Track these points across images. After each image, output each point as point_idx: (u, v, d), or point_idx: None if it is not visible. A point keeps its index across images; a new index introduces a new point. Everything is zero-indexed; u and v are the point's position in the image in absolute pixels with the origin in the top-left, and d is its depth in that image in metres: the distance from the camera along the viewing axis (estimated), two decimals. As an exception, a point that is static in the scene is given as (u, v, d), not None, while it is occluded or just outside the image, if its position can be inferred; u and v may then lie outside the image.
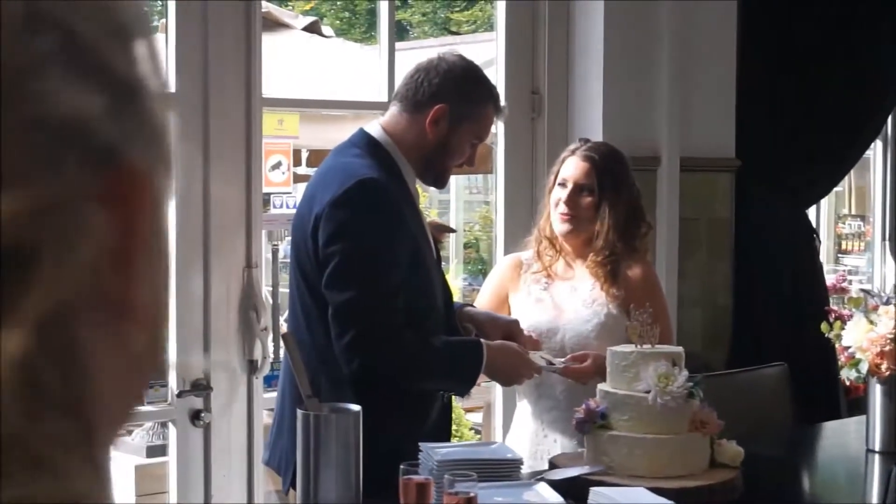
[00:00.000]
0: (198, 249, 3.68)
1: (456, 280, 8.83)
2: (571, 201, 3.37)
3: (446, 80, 2.99)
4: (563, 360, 3.25)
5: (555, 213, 3.42)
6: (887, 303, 3.38)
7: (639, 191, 3.51)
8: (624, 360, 2.95)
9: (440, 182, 3.15)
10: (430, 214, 8.99)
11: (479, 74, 3.07)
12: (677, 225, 4.56)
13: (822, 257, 7.36)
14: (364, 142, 3.01)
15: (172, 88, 3.64)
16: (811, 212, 5.64)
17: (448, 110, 2.98)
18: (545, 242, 3.48)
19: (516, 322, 3.27)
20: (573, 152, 3.45)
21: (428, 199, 10.43)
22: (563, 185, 3.41)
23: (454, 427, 5.48)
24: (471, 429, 6.11)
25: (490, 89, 3.08)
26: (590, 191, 3.38)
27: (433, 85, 2.99)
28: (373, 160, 2.95)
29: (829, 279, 5.54)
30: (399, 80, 3.16)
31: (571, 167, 3.41)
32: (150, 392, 3.66)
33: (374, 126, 3.04)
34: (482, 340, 3.02)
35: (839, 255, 8.69)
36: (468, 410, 6.74)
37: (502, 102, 4.26)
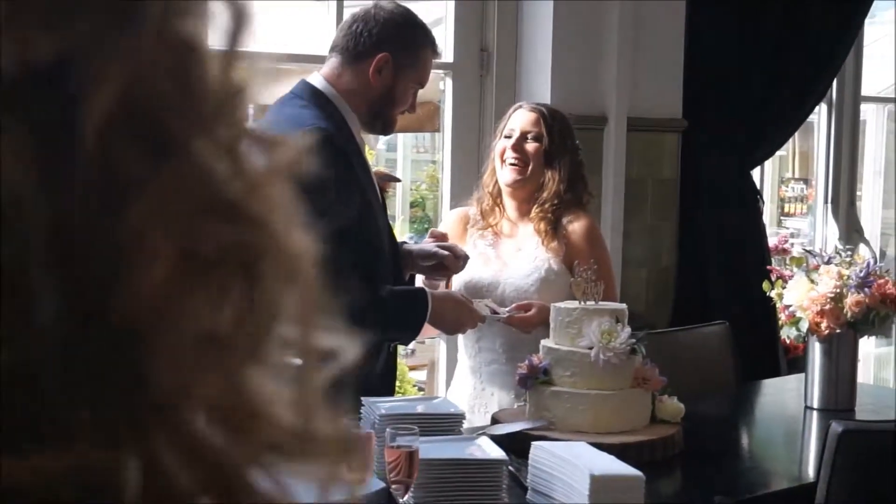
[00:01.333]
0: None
1: (402, 238, 8.81)
2: (518, 146, 3.38)
3: (386, 29, 2.98)
4: (507, 309, 3.26)
5: (501, 166, 3.42)
6: (828, 262, 3.41)
7: (582, 160, 3.51)
8: (567, 316, 2.96)
9: (387, 130, 3.15)
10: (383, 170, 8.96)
11: (417, 20, 3.08)
12: (623, 185, 4.57)
13: (766, 219, 7.44)
14: (308, 92, 2.99)
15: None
16: (756, 174, 5.68)
17: (391, 58, 2.97)
18: (488, 200, 3.48)
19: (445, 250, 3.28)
20: (520, 106, 3.47)
21: (375, 158, 10.39)
22: (508, 136, 3.42)
23: (398, 384, 5.49)
24: (414, 385, 6.12)
25: (427, 33, 3.09)
26: (537, 139, 3.39)
27: (373, 34, 2.98)
28: (319, 110, 2.94)
29: (772, 241, 5.58)
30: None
31: (518, 119, 3.43)
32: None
33: (316, 77, 3.02)
34: (427, 290, 3.03)
35: (782, 218, 8.77)
36: (412, 368, 6.76)
37: (448, 58, 4.28)
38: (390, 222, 3.16)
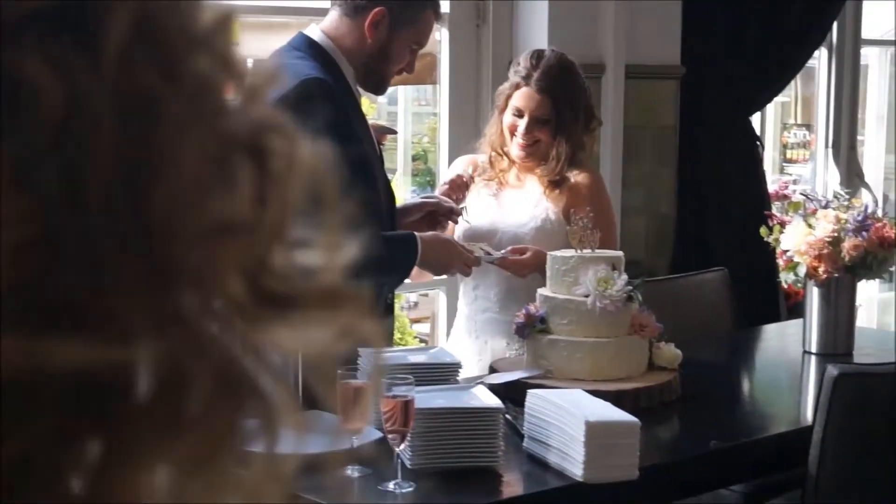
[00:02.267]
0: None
1: (404, 192, 8.80)
2: (529, 132, 3.37)
3: None
4: (501, 252, 3.26)
5: (511, 140, 3.41)
6: (825, 206, 3.41)
7: (588, 89, 3.50)
8: (564, 264, 2.97)
9: (381, 88, 3.13)
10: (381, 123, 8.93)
11: None
12: (622, 132, 4.56)
13: (768, 166, 7.41)
14: (305, 44, 2.98)
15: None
16: (757, 121, 5.66)
17: (387, 13, 2.95)
18: (498, 156, 3.47)
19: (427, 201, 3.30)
20: (527, 79, 3.40)
21: (377, 112, 10.36)
22: (518, 114, 3.39)
23: (398, 335, 5.51)
24: (415, 337, 6.14)
25: None
26: (546, 123, 3.37)
27: None
28: (315, 62, 2.93)
29: (773, 187, 5.57)
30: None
31: (527, 98, 3.38)
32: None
33: (314, 29, 3.01)
34: (415, 233, 3.04)
35: (784, 164, 8.75)
36: (416, 321, 6.77)
37: (444, 9, 4.24)
38: (388, 175, 3.16)
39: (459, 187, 3.37)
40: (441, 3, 4.20)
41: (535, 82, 3.37)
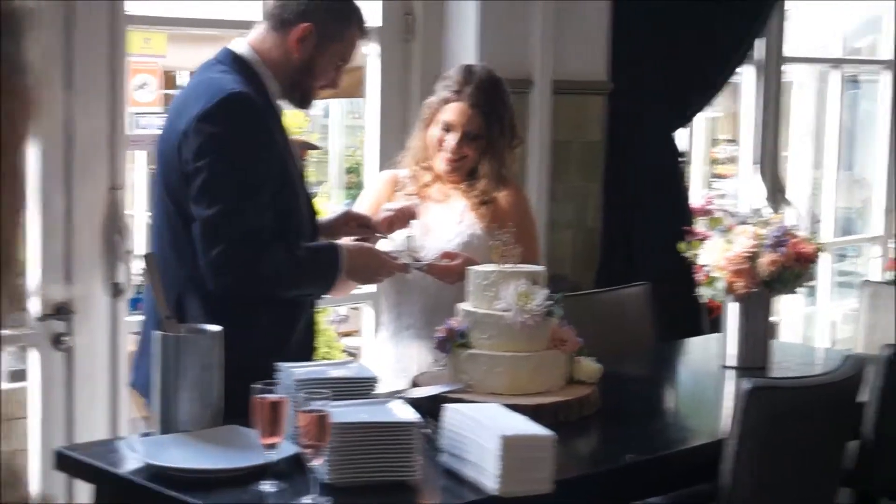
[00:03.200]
0: (59, 171, 3.61)
1: (338, 206, 8.80)
2: (459, 146, 3.39)
3: (313, 1, 2.97)
4: (430, 258, 3.27)
5: (438, 153, 3.42)
6: (743, 223, 3.45)
7: (513, 107, 3.53)
8: (485, 279, 2.98)
9: (305, 103, 3.13)
10: (312, 138, 8.91)
11: None
12: (549, 148, 4.59)
13: (697, 181, 7.48)
14: (230, 58, 2.99)
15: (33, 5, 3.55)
16: (687, 137, 5.72)
17: (313, 30, 2.96)
18: (423, 171, 3.48)
19: (350, 210, 3.34)
20: (458, 94, 3.41)
21: (310, 124, 10.35)
22: (447, 129, 3.40)
23: (325, 349, 5.50)
24: (344, 351, 6.14)
25: (356, 11, 3.07)
26: (477, 138, 3.39)
27: (300, 4, 2.97)
28: (239, 76, 2.93)
29: (699, 202, 5.64)
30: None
31: (458, 113, 3.39)
32: (10, 316, 3.60)
33: (241, 43, 3.02)
34: (339, 243, 3.05)
35: (713, 179, 8.85)
36: (346, 334, 6.77)
37: (375, 23, 4.26)
38: (308, 190, 3.16)
39: (403, 219, 3.35)
40: (370, 17, 4.23)
41: (467, 97, 3.39)
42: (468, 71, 3.46)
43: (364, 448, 2.39)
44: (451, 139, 3.39)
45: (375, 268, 3.14)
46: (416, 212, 3.36)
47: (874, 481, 3.25)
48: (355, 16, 3.06)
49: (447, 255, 3.29)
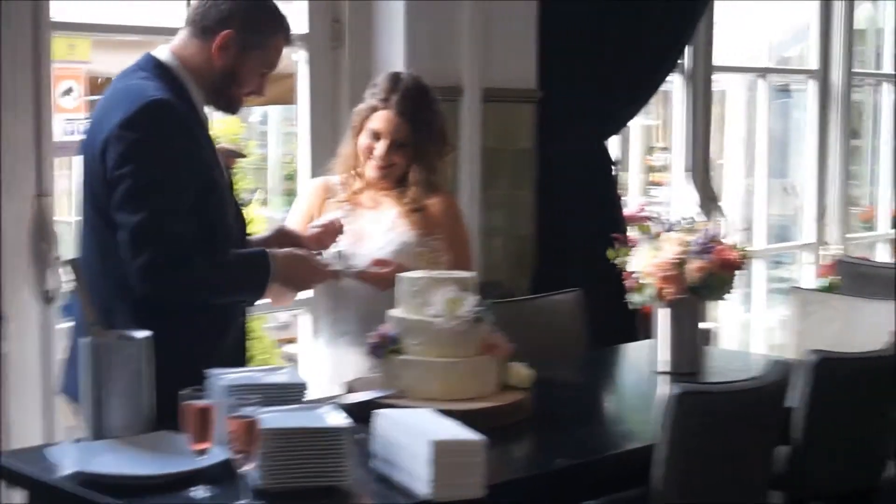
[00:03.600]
0: (-14, 178, 3.58)
1: (278, 213, 8.76)
2: (387, 154, 3.40)
3: (235, 6, 2.95)
4: (362, 265, 3.28)
5: (366, 160, 3.43)
6: (670, 230, 3.49)
7: (443, 114, 3.54)
8: (414, 285, 2.99)
9: (231, 109, 3.11)
10: (249, 146, 8.86)
11: (269, 3, 3.04)
12: (479, 155, 4.61)
13: (633, 188, 7.54)
14: (151, 65, 2.97)
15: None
16: (619, 144, 5.77)
17: (235, 36, 2.95)
18: (353, 178, 3.49)
19: (283, 227, 3.35)
20: (386, 103, 3.42)
21: (247, 130, 10.29)
22: (375, 137, 3.41)
23: (265, 356, 5.48)
24: (284, 357, 6.11)
25: (280, 18, 3.05)
26: (403, 145, 3.41)
27: (221, 10, 2.95)
28: (161, 82, 2.91)
29: (631, 209, 5.69)
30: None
31: (385, 121, 3.40)
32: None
33: (163, 50, 3.00)
34: (268, 250, 3.04)
35: (649, 187, 8.92)
36: (288, 341, 6.74)
37: (302, 30, 4.25)
38: (237, 199, 3.14)
39: (331, 234, 3.35)
40: (297, 23, 4.23)
41: (394, 105, 3.40)
42: (395, 79, 3.47)
43: (295, 453, 2.39)
44: (380, 147, 3.41)
45: (307, 274, 3.13)
46: (341, 226, 3.36)
47: (806, 485, 3.29)
48: (279, 22, 3.04)
49: (378, 263, 3.30)
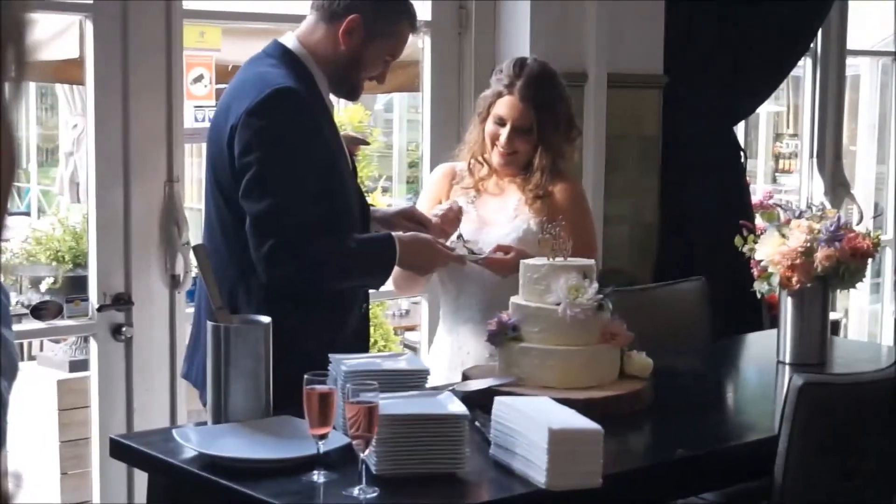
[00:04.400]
0: (118, 163, 3.66)
1: (401, 200, 8.80)
2: (511, 141, 3.39)
3: None
4: (486, 251, 3.28)
5: (492, 147, 3.43)
6: (798, 216, 3.42)
7: (570, 99, 3.51)
8: (535, 272, 2.98)
9: (353, 95, 3.14)
10: (374, 133, 8.92)
11: None
12: (604, 142, 4.57)
13: (760, 176, 7.42)
14: (278, 52, 3.00)
15: (90, 0, 3.61)
16: (746, 131, 5.67)
17: (361, 22, 2.97)
18: (479, 164, 3.49)
19: (412, 208, 3.34)
20: (510, 88, 3.41)
21: (372, 118, 10.37)
22: (500, 123, 3.40)
23: (383, 343, 5.52)
24: (402, 344, 6.15)
25: (407, 6, 3.06)
26: (528, 132, 3.39)
27: None
28: (287, 70, 2.95)
29: (758, 197, 5.58)
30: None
31: (509, 107, 3.39)
32: (70, 306, 3.66)
33: (289, 37, 3.03)
34: (393, 234, 3.05)
35: (777, 174, 8.77)
36: (408, 328, 6.78)
37: (426, 16, 4.26)
38: (360, 186, 3.17)
39: (451, 221, 3.36)
40: (422, 10, 4.24)
41: (517, 91, 3.38)
42: (520, 64, 3.45)
43: (412, 440, 2.40)
44: (504, 134, 3.39)
45: (431, 258, 3.14)
46: (460, 209, 3.36)
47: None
48: (405, 11, 3.06)
49: (501, 249, 3.29)
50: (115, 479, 3.71)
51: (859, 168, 6.81)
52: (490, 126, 3.43)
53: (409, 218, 3.30)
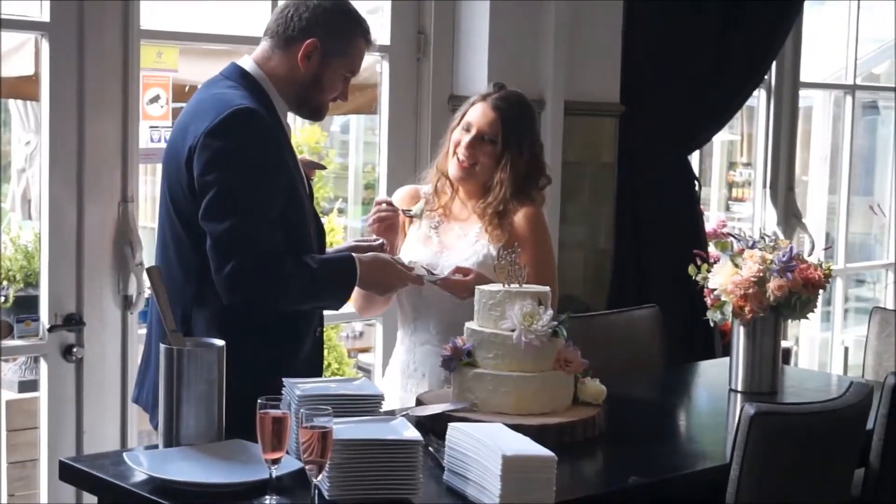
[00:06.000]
0: (71, 182, 3.64)
1: (356, 222, 8.80)
2: (472, 148, 3.38)
3: (316, 15, 2.98)
4: (445, 272, 3.28)
5: (452, 158, 3.42)
6: (752, 247, 3.45)
7: (541, 144, 3.52)
8: (490, 298, 2.98)
9: (317, 115, 3.13)
10: (330, 154, 8.92)
11: (349, 7, 3.07)
12: (560, 169, 4.59)
13: (714, 204, 7.47)
14: (237, 74, 3.00)
15: (47, 17, 3.59)
16: (700, 160, 5.72)
17: (319, 45, 2.97)
18: (443, 180, 3.48)
19: (381, 244, 3.32)
20: (484, 98, 3.42)
21: (328, 139, 10.36)
22: (467, 129, 3.41)
23: (336, 366, 5.51)
24: (356, 367, 6.14)
25: (360, 22, 3.07)
26: (492, 141, 3.38)
27: (303, 19, 2.97)
28: (246, 91, 2.94)
29: (712, 225, 5.63)
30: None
31: (478, 113, 3.40)
32: (21, 326, 3.63)
33: (247, 60, 3.03)
34: (354, 255, 3.05)
35: (730, 203, 8.83)
36: (362, 350, 6.77)
37: (384, 41, 4.28)
38: (316, 210, 3.16)
39: (388, 226, 3.37)
40: (381, 35, 4.26)
41: (491, 100, 3.41)
42: (501, 85, 3.49)
43: (366, 465, 2.39)
44: (466, 138, 3.40)
45: (390, 277, 3.14)
46: (393, 209, 3.39)
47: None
48: (360, 27, 3.06)
49: (460, 271, 3.29)
50: (64, 502, 3.67)
51: (811, 198, 6.88)
52: (457, 133, 3.43)
53: (357, 250, 3.30)
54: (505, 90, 3.46)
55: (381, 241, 3.33)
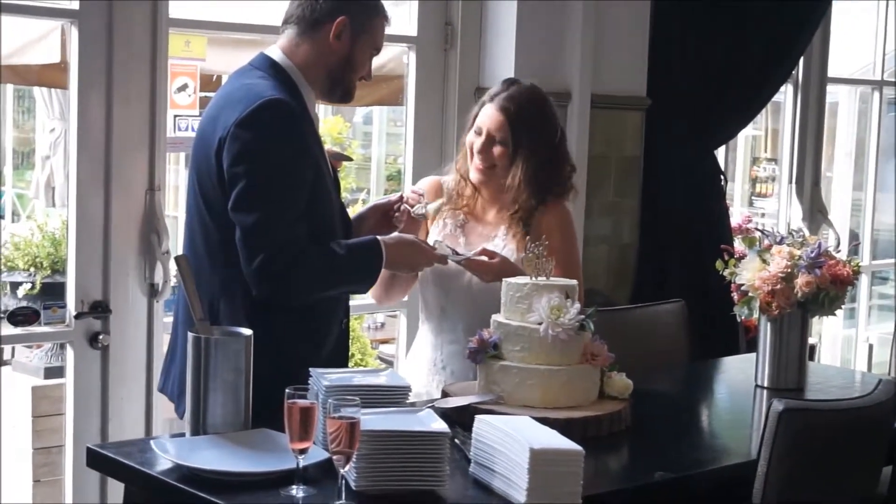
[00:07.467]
0: (99, 170, 3.65)
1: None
2: (484, 151, 3.37)
3: None
4: (471, 252, 3.27)
5: (471, 159, 3.41)
6: (780, 242, 3.43)
7: (563, 134, 3.48)
8: (518, 291, 2.98)
9: (347, 97, 3.12)
10: (352, 145, 8.92)
11: None
12: (586, 162, 4.58)
13: (737, 199, 7.45)
14: (266, 64, 3.00)
15: (76, 6, 3.59)
16: (724, 154, 5.70)
17: (349, 21, 2.98)
18: (463, 182, 3.46)
19: (399, 196, 3.35)
20: (492, 98, 3.39)
21: (351, 130, 10.37)
22: (478, 132, 3.39)
23: (359, 356, 5.51)
24: (378, 358, 6.14)
25: None
26: (502, 143, 3.36)
27: (328, 1, 2.98)
28: (276, 82, 2.95)
29: (737, 220, 5.61)
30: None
31: (487, 116, 3.37)
32: (47, 313, 3.64)
33: (275, 50, 3.03)
34: (378, 237, 3.06)
35: (754, 198, 8.81)
36: (383, 342, 6.78)
37: (411, 34, 4.29)
38: (342, 201, 3.16)
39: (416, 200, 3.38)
40: (409, 26, 4.27)
41: (496, 101, 3.38)
42: (510, 82, 3.45)
43: (392, 456, 2.39)
44: (478, 142, 3.38)
45: (415, 257, 3.15)
46: (419, 196, 3.37)
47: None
48: (379, 2, 3.09)
49: (486, 253, 3.27)
50: (89, 488, 3.69)
51: (836, 194, 6.85)
52: (470, 136, 3.42)
53: (373, 212, 3.31)
54: (513, 87, 3.40)
55: (399, 194, 3.34)
